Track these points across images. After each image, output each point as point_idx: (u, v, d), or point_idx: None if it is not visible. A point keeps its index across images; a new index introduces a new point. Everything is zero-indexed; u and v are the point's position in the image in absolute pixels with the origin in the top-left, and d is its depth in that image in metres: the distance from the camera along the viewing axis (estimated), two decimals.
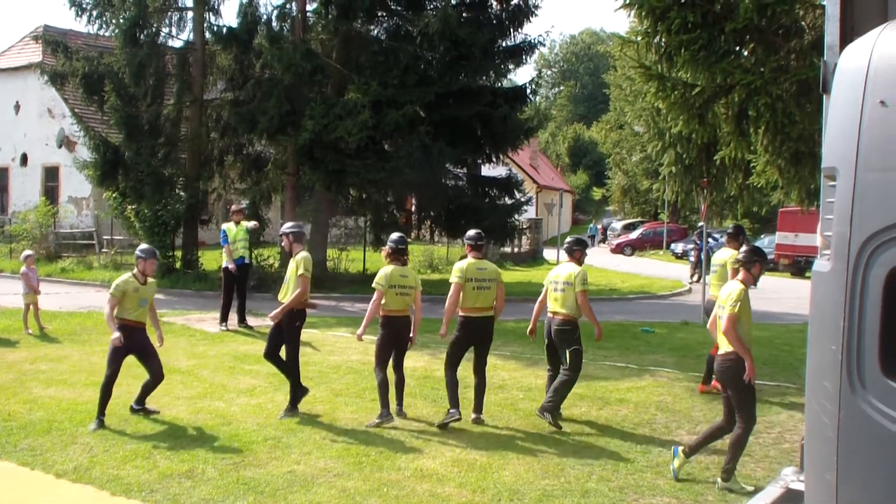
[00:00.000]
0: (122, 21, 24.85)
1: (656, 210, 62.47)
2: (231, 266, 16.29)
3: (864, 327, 2.95)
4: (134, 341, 9.58)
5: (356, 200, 26.73)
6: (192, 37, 26.68)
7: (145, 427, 9.11)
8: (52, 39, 27.51)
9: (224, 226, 16.78)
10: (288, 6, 25.15)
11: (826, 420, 3.15)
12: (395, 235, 10.49)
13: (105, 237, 32.48)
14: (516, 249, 38.08)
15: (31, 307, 15.69)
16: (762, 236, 44.94)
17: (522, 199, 28.18)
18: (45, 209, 32.02)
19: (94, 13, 25.52)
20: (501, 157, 28.35)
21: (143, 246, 10.30)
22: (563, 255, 10.49)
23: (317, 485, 7.30)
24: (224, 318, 16.49)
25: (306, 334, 15.94)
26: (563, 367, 9.86)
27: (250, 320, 17.02)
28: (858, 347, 2.97)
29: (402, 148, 23.37)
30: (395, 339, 9.95)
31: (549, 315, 9.93)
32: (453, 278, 9.73)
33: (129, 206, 25.35)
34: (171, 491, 7.08)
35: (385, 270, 9.80)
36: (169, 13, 26.46)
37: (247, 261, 17.20)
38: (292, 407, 9.97)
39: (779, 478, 4.45)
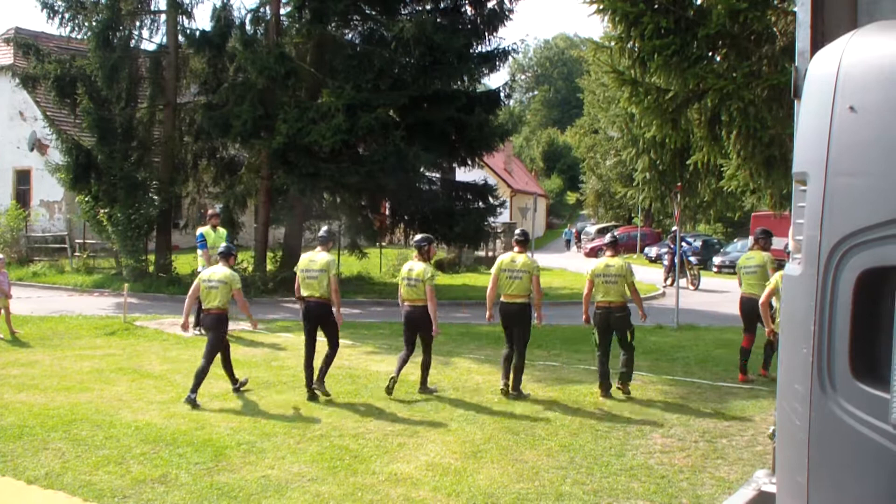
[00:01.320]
0: (94, 24, 24.76)
1: (630, 214, 62.71)
2: None
3: (835, 330, 2.97)
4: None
5: (330, 204, 26.71)
6: (165, 40, 26.62)
7: (118, 432, 9.05)
8: (24, 42, 27.30)
9: (201, 230, 16.67)
10: (262, 10, 25.14)
11: (797, 422, 3.17)
12: (418, 236, 12.37)
13: (77, 241, 32.28)
14: (490, 253, 38.16)
15: (2, 311, 15.56)
16: (735, 240, 45.22)
17: (496, 204, 28.23)
18: (16, 213, 31.81)
19: (67, 16, 25.40)
20: (476, 161, 28.41)
21: (224, 245, 12.17)
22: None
23: (291, 490, 7.28)
24: (197, 322, 16.41)
25: (279, 338, 15.94)
26: (621, 346, 11.66)
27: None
28: (829, 350, 3.00)
29: (376, 152, 23.41)
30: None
31: (603, 304, 11.56)
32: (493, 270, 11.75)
33: (102, 210, 25.22)
34: (144, 496, 7.05)
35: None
36: (142, 16, 26.38)
37: None
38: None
39: (751, 480, 4.47)
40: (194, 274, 17.50)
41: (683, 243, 30.01)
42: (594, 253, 52.43)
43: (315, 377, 11.10)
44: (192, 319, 12.05)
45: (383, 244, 32.25)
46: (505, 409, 10.54)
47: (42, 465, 7.83)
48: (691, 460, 8.39)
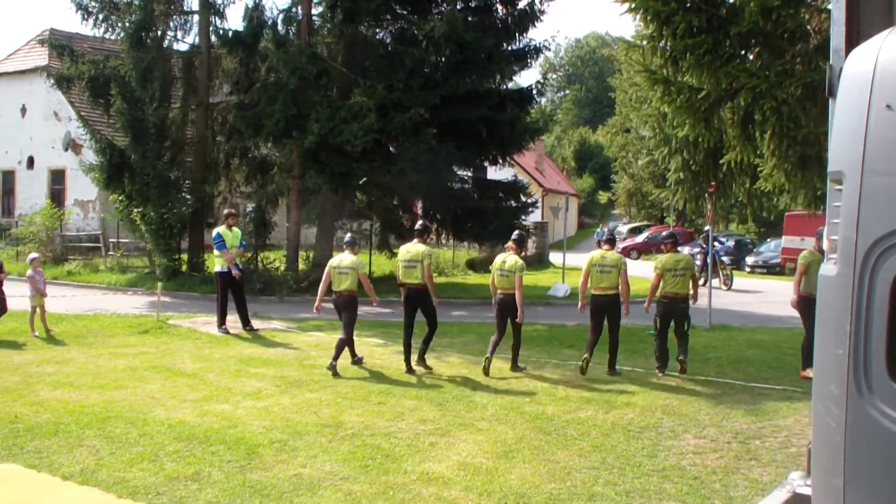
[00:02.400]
0: (128, 25, 24.93)
1: (662, 214, 62.39)
2: (235, 272, 16.35)
3: (871, 331, 2.94)
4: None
5: (362, 203, 26.76)
6: (197, 40, 26.74)
7: (151, 430, 9.11)
8: (59, 43, 27.53)
9: (218, 230, 16.72)
10: (293, 10, 25.19)
11: (833, 424, 3.15)
12: (515, 233, 13.99)
13: (111, 240, 32.56)
14: (522, 253, 38.00)
15: (38, 310, 15.74)
16: (768, 240, 44.89)
17: (528, 202, 28.18)
18: (51, 212, 32.09)
19: (101, 17, 25.59)
20: (507, 160, 28.38)
21: (349, 235, 13.86)
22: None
23: (322, 488, 7.30)
24: (222, 322, 16.50)
25: (311, 337, 15.99)
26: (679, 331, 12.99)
27: (256, 323, 17.06)
28: (865, 351, 2.97)
29: (408, 151, 23.41)
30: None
31: (670, 295, 12.89)
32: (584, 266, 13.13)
33: (135, 210, 25.40)
34: (178, 494, 7.08)
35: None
36: (175, 17, 26.54)
37: (240, 266, 17.23)
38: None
39: (785, 482, 4.43)
40: (214, 275, 17.54)
41: (716, 243, 29.82)
42: (626, 253, 52.26)
43: (415, 357, 13.15)
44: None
45: None
46: (536, 409, 10.51)
47: (77, 462, 7.90)
48: (724, 461, 8.33)
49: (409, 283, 13.04)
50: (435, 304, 13.25)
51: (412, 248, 13.08)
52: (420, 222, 14.11)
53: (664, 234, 14.03)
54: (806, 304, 12.63)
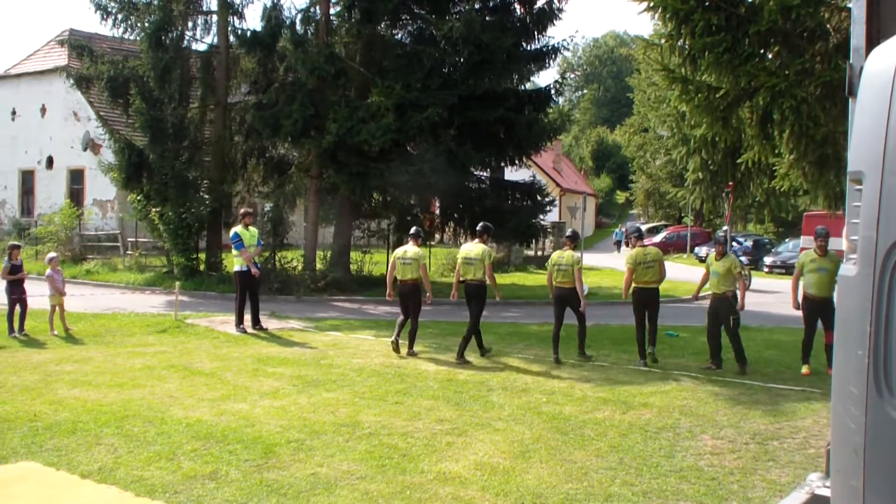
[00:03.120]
0: (146, 25, 25.03)
1: (680, 214, 62.24)
2: (255, 270, 16.42)
3: (892, 332, 2.92)
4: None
5: (380, 203, 26.78)
6: (216, 40, 26.85)
7: (169, 428, 9.14)
8: (78, 43, 27.72)
9: (235, 230, 16.75)
10: (312, 10, 25.23)
11: (852, 425, 3.13)
12: (569, 230, 15.01)
13: (129, 239, 32.70)
14: (539, 252, 38.12)
15: (57, 309, 15.82)
16: (787, 240, 44.70)
17: (545, 202, 28.14)
18: (70, 211, 32.29)
19: (119, 17, 25.71)
20: (524, 159, 28.33)
21: (414, 228, 15.01)
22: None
23: (340, 487, 7.30)
24: (240, 321, 16.54)
25: (328, 337, 16.02)
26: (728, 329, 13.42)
27: (273, 322, 17.10)
28: (885, 352, 2.95)
29: (426, 151, 23.41)
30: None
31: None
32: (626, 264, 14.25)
33: (154, 209, 25.54)
34: (195, 492, 7.10)
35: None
36: (193, 17, 26.64)
37: (258, 265, 17.30)
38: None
39: (804, 483, 4.41)
40: (233, 274, 17.63)
41: (734, 243, 29.72)
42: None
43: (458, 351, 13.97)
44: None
45: (432, 243, 32.21)
46: (553, 409, 10.49)
47: (95, 460, 7.93)
48: (742, 462, 8.29)
49: (469, 280, 14.03)
50: (497, 299, 15.16)
51: (474, 248, 14.12)
52: (482, 223, 14.82)
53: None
54: (802, 303, 13.30)
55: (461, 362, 13.56)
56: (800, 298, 13.38)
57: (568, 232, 14.70)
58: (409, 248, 14.27)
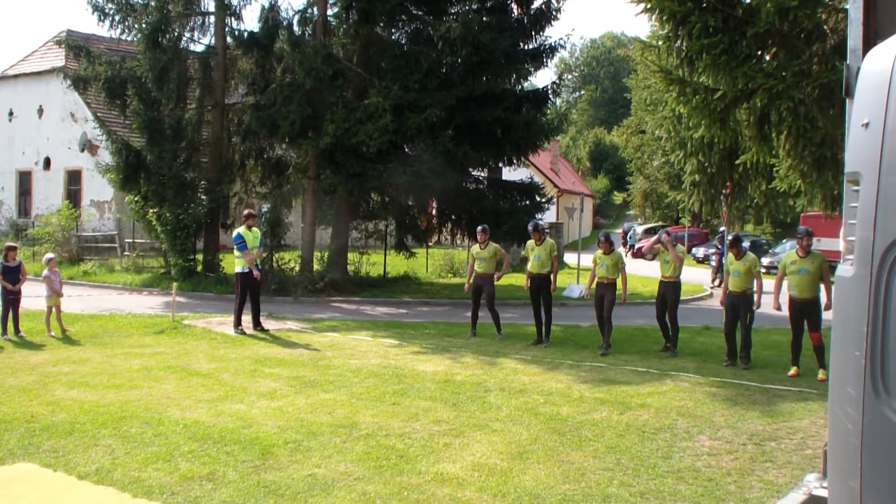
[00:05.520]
0: (144, 26, 25.02)
1: (677, 215, 62.20)
2: (256, 272, 16.44)
3: (889, 332, 2.92)
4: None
5: (377, 204, 26.78)
6: (213, 41, 26.86)
7: (166, 430, 9.14)
8: (75, 44, 27.70)
9: (238, 231, 16.76)
10: (309, 11, 25.26)
11: (850, 426, 3.13)
12: (601, 232, 16.22)
13: (127, 240, 32.72)
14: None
15: (54, 310, 15.80)
16: (784, 241, 44.70)
17: (543, 202, 28.13)
18: (67, 212, 32.26)
19: (117, 18, 25.72)
20: (522, 160, 28.34)
21: (481, 227, 16.47)
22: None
23: (337, 488, 7.30)
24: (239, 322, 16.54)
25: (326, 337, 16.02)
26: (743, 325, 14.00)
27: (271, 323, 17.10)
28: (882, 353, 2.95)
29: (423, 152, 23.42)
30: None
31: (731, 292, 14.05)
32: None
33: (151, 210, 25.53)
34: (192, 493, 7.10)
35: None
36: (191, 18, 26.62)
37: (259, 266, 17.31)
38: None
39: (801, 484, 4.42)
40: (234, 275, 17.67)
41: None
42: (640, 253, 52.14)
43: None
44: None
45: (430, 244, 32.22)
46: (551, 410, 10.49)
47: (92, 461, 7.92)
48: (739, 463, 8.30)
49: (537, 273, 15.66)
50: (552, 290, 15.97)
51: (541, 245, 15.67)
52: (532, 222, 16.37)
53: (731, 237, 14.82)
54: (788, 304, 13.30)
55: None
56: (785, 300, 13.40)
57: (601, 237, 15.64)
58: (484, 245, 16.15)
